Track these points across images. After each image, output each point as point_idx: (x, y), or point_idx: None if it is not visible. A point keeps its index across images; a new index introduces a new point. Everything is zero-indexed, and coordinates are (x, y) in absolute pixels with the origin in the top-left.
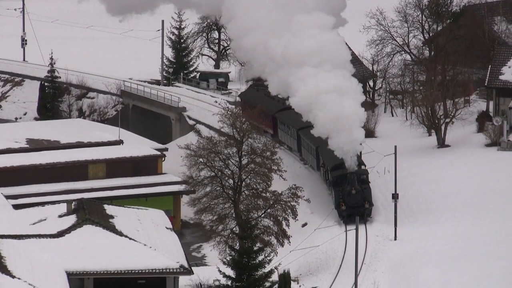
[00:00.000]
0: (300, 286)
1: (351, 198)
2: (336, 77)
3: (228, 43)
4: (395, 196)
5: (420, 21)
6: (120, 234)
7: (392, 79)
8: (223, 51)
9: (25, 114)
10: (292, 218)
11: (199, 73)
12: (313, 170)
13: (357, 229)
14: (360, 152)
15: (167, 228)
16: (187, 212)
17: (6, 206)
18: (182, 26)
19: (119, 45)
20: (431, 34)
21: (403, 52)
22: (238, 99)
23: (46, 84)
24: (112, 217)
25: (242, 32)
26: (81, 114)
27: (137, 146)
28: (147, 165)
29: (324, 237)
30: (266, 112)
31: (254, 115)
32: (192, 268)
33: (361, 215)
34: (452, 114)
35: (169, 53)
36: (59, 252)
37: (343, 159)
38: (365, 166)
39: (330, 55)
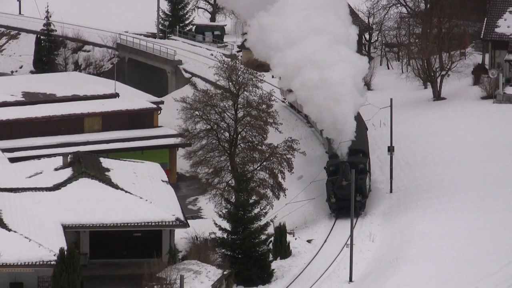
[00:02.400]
0: (296, 239)
1: (342, 190)
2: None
3: None
4: (390, 149)
5: None
6: (116, 187)
7: (388, 32)
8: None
9: (21, 67)
10: (288, 171)
11: (195, 26)
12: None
13: (352, 182)
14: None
15: (163, 181)
16: (183, 165)
17: (2, 159)
18: None
19: None
20: None
21: (399, 5)
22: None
23: (42, 37)
24: (108, 170)
25: None
26: (77, 67)
27: (133, 99)
28: (143, 118)
29: (320, 190)
30: None
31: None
32: (188, 221)
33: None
34: (448, 66)
35: (164, 6)
36: (55, 205)
37: (334, 142)
38: (367, 154)
39: None
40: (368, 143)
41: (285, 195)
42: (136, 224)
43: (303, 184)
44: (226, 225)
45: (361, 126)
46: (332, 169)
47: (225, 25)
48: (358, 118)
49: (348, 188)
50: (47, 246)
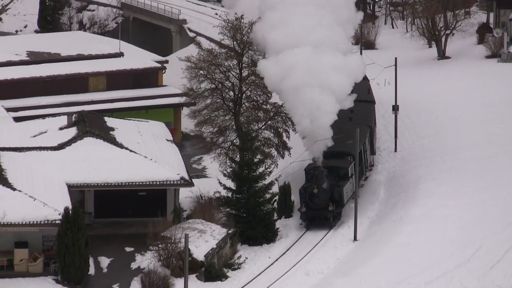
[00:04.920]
0: None
1: (313, 198)
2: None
3: None
4: (395, 108)
5: None
6: (120, 146)
7: None
8: None
9: (25, 27)
10: (293, 130)
11: None
12: None
13: (357, 142)
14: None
15: (167, 140)
16: (187, 124)
17: (7, 119)
18: None
19: None
20: None
21: None
22: None
23: None
24: (112, 129)
25: None
26: (82, 26)
27: (138, 58)
28: (148, 78)
29: None
30: None
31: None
32: (193, 180)
33: (324, 219)
34: (453, 25)
35: None
36: (59, 164)
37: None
38: (355, 157)
39: None
40: (366, 144)
41: (290, 154)
42: (141, 183)
43: (308, 143)
44: (230, 184)
45: (364, 124)
46: (312, 172)
47: None
48: (365, 116)
49: (320, 197)
50: (52, 205)
